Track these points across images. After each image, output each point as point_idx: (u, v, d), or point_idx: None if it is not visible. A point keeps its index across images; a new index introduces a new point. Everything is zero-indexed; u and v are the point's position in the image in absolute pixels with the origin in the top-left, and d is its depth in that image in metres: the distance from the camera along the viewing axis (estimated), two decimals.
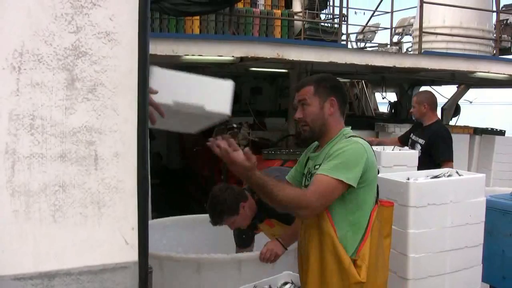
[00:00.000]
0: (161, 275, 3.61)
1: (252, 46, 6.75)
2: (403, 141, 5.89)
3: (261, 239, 3.78)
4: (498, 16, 9.29)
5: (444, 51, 8.60)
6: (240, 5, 8.41)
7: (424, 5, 8.37)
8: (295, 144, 7.90)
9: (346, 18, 9.38)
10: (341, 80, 12.30)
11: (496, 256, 4.39)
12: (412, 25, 10.07)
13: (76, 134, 2.02)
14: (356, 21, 12.85)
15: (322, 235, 2.72)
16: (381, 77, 11.31)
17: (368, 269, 2.67)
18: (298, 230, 3.06)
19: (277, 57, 6.82)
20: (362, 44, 11.93)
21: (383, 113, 13.93)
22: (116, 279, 2.09)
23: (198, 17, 7.88)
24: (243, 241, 4.10)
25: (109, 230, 2.09)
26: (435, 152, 5.34)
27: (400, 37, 11.44)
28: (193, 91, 2.42)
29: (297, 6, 9.49)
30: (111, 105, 2.07)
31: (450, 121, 11.90)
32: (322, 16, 10.80)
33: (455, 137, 9.43)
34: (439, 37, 8.84)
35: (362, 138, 2.84)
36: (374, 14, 11.99)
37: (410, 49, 10.24)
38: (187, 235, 4.55)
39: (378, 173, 2.87)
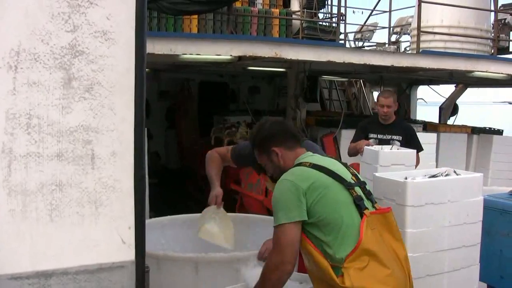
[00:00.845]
0: (158, 275, 3.61)
1: (250, 45, 6.75)
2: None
3: (259, 239, 3.77)
4: (496, 16, 9.29)
5: (442, 50, 8.60)
6: (238, 4, 8.40)
7: (422, 4, 8.37)
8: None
9: (344, 17, 9.39)
10: (339, 79, 12.34)
11: (493, 255, 4.39)
12: (410, 24, 10.07)
13: (73, 133, 2.02)
14: (354, 20, 12.97)
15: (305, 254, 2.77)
16: (379, 77, 11.31)
17: (360, 275, 2.62)
18: None
19: (275, 56, 6.82)
20: (360, 44, 11.92)
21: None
22: (113, 279, 2.09)
23: (196, 16, 7.87)
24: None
25: (106, 229, 2.09)
26: (413, 146, 5.57)
27: (398, 36, 11.44)
28: None
29: (295, 5, 9.49)
30: (108, 105, 2.07)
31: (448, 121, 11.92)
32: (320, 15, 10.80)
33: (453, 136, 9.55)
34: (437, 37, 8.85)
35: (307, 164, 2.80)
36: (372, 13, 12.01)
37: (408, 49, 10.24)
38: (185, 234, 4.53)
39: (352, 186, 2.78)
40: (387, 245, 2.72)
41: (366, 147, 5.45)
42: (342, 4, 8.73)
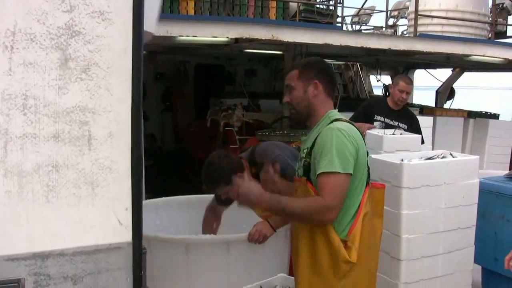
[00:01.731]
0: (150, 256, 3.61)
1: (247, 27, 6.71)
2: (366, 122, 5.68)
3: (250, 220, 3.77)
4: (494, 0, 9.26)
5: (440, 34, 8.56)
6: None
7: None
8: (289, 126, 7.90)
9: (341, 0, 9.31)
10: (336, 62, 12.30)
11: (488, 238, 4.42)
12: (408, 8, 10.02)
13: (69, 114, 2.01)
14: (351, 4, 12.85)
15: None
16: (376, 60, 11.28)
17: (358, 250, 2.68)
18: None
19: (272, 39, 6.78)
20: (358, 27, 11.87)
21: (377, 96, 13.91)
22: (110, 260, 2.10)
23: None
24: (224, 201, 3.97)
25: (103, 210, 2.08)
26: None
27: (395, 20, 11.40)
28: None
29: None
30: (105, 85, 2.06)
31: (445, 104, 11.92)
32: None
33: (449, 120, 9.55)
34: (435, 20, 8.80)
35: (348, 121, 2.82)
36: None
37: (405, 32, 10.21)
38: (180, 215, 4.54)
39: (368, 155, 2.87)
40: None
41: (369, 131, 5.15)
42: None
